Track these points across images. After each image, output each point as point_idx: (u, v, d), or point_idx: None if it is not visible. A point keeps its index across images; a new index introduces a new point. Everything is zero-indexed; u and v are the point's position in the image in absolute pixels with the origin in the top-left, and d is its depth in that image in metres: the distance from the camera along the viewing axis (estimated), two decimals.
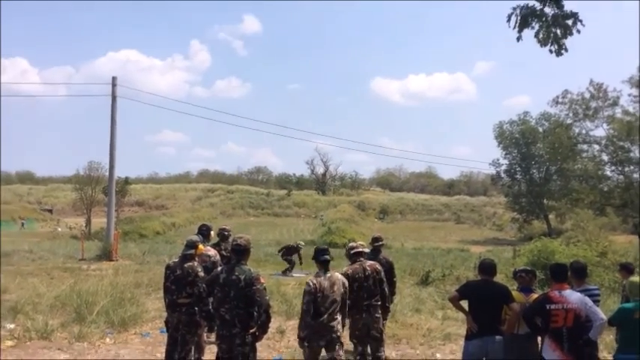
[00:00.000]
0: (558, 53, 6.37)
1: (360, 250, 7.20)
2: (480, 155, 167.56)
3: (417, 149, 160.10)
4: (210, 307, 5.65)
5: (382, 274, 7.08)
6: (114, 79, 24.35)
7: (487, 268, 6.10)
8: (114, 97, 24.08)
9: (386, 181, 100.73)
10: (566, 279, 5.65)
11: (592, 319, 5.36)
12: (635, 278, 6.10)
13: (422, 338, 9.46)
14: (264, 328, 5.36)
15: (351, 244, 7.39)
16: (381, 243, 8.41)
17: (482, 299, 5.88)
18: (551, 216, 53.40)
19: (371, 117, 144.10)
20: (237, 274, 5.25)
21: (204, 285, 5.73)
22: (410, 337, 9.47)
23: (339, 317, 6.08)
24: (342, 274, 6.80)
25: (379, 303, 7.02)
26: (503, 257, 23.01)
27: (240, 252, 5.41)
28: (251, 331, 5.23)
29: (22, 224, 55.32)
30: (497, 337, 5.78)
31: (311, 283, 5.97)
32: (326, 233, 43.17)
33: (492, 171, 60.61)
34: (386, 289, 7.07)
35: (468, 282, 6.50)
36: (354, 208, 65.63)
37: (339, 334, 6.04)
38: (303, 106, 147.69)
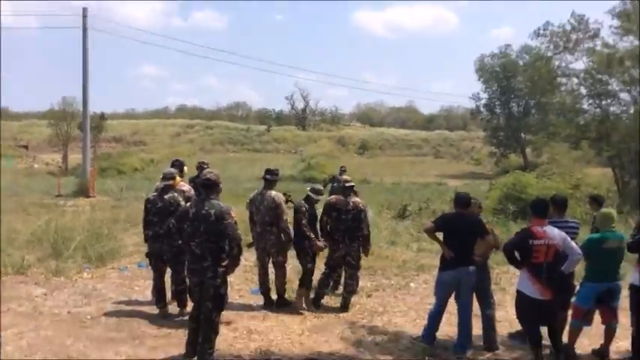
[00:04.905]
0: None
1: (353, 185, 7.55)
2: (461, 89, 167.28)
3: (398, 83, 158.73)
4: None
5: (364, 214, 7.34)
6: (84, 10, 23.54)
7: (462, 200, 6.18)
8: (85, 29, 23.28)
9: (366, 117, 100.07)
10: (547, 215, 5.70)
11: (568, 254, 5.48)
12: (606, 210, 6.23)
13: (397, 269, 9.69)
14: (235, 261, 5.41)
15: (346, 177, 7.85)
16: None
17: (456, 231, 5.98)
18: (528, 150, 53.96)
19: (352, 51, 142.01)
20: (207, 208, 5.23)
21: (173, 220, 5.74)
22: (385, 268, 9.69)
23: (273, 229, 7.16)
24: (326, 201, 7.18)
25: (357, 235, 7.26)
26: (480, 191, 23.26)
27: (210, 186, 5.37)
28: (223, 264, 5.26)
29: None
30: (471, 268, 5.93)
31: (250, 196, 7.50)
32: (306, 168, 43.22)
33: (472, 105, 60.69)
34: (365, 229, 7.31)
35: (444, 214, 6.61)
36: (333, 144, 65.55)
37: (271, 243, 7.19)
38: (283, 40, 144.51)
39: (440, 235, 6.12)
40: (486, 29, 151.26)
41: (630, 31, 24.86)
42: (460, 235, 5.95)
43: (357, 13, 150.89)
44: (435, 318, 6.06)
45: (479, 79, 57.39)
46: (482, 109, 59.49)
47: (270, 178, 7.43)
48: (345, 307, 7.36)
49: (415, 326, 6.62)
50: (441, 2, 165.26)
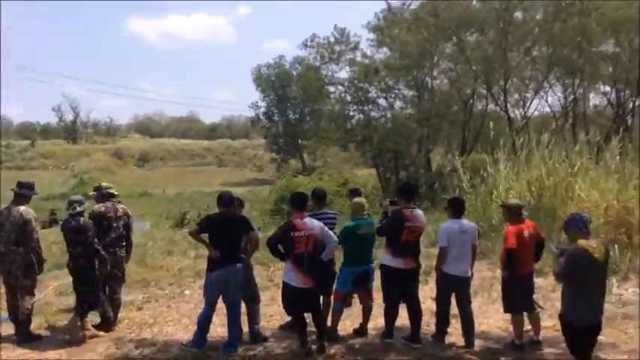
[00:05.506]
0: None
1: (115, 192, 7.11)
2: (240, 99, 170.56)
3: (178, 93, 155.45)
4: None
5: (131, 220, 7.01)
6: None
7: (224, 200, 6.19)
8: None
9: (145, 127, 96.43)
10: (306, 207, 5.96)
11: (326, 242, 5.79)
12: (358, 199, 6.70)
13: (172, 278, 9.37)
14: None
15: (105, 184, 7.25)
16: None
17: (221, 230, 5.95)
18: (305, 154, 57.13)
19: (128, 60, 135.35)
20: None
21: None
22: (159, 278, 9.31)
23: (20, 249, 6.28)
24: (92, 211, 6.58)
25: (124, 244, 6.89)
26: (262, 195, 23.86)
27: None
28: None
29: None
30: (238, 265, 5.95)
31: None
32: (78, 185, 39.91)
33: (252, 114, 62.28)
34: (131, 236, 6.99)
35: (208, 215, 6.53)
36: (109, 157, 61.85)
37: (17, 264, 6.29)
38: (47, 45, 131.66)
39: (207, 237, 6.03)
40: (262, 40, 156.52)
41: (384, 43, 27.76)
42: (225, 234, 5.93)
43: (130, 20, 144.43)
44: (205, 320, 5.94)
45: (257, 89, 59.23)
46: (261, 117, 61.36)
47: (19, 191, 6.61)
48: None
49: (187, 333, 6.41)
50: (219, 12, 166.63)
